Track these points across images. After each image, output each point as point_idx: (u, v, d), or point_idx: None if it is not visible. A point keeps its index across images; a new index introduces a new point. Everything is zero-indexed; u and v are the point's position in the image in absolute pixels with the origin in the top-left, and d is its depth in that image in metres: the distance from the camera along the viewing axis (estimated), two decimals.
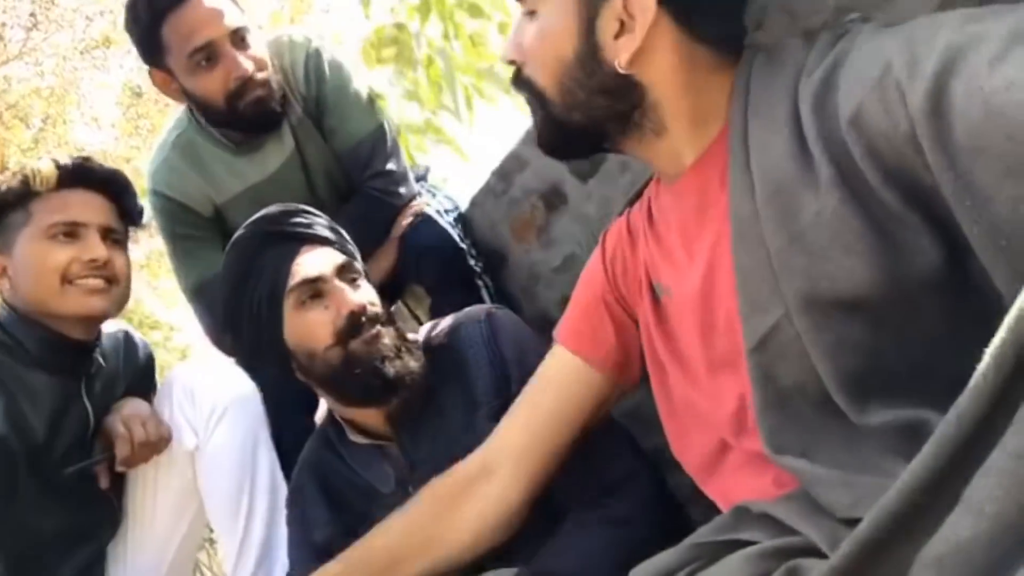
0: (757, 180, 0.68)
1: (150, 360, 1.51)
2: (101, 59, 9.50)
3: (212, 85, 1.46)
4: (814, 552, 0.59)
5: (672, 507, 1.03)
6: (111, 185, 1.37)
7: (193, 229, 1.62)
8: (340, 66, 1.62)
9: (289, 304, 1.05)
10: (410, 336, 1.11)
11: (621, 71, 0.74)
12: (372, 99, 1.65)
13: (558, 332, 0.97)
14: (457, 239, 1.58)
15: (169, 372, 1.47)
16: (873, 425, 0.62)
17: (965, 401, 0.40)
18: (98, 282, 1.30)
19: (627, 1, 0.73)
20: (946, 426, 0.41)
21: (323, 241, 1.10)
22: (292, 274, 1.05)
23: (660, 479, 1.03)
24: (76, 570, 1.33)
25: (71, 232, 1.29)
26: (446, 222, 1.61)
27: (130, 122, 9.62)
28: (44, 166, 1.31)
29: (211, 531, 1.51)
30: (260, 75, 1.47)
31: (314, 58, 1.59)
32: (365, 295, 1.08)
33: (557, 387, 0.95)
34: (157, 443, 1.31)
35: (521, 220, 1.58)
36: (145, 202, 1.51)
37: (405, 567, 0.98)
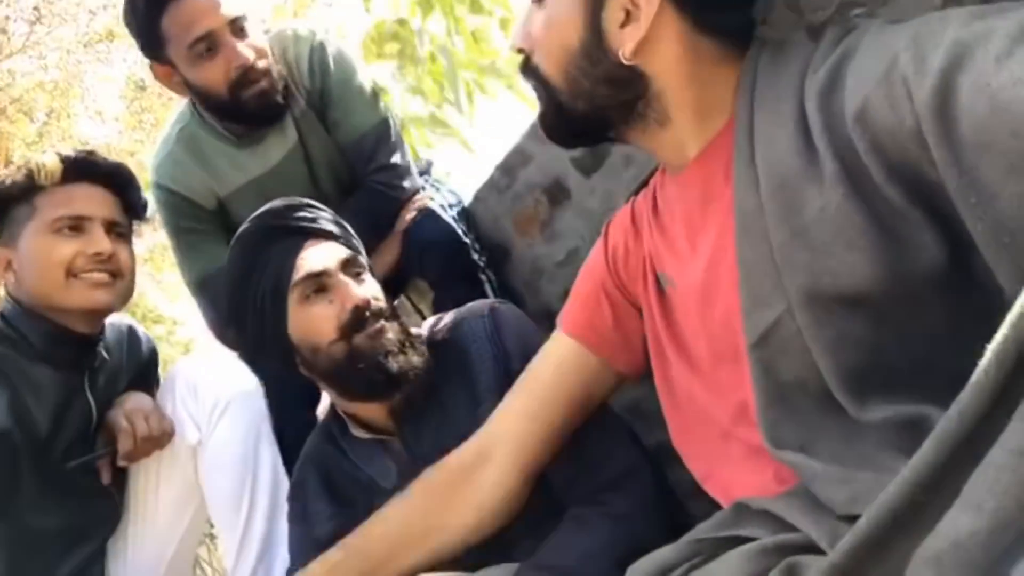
0: (762, 174, 0.68)
1: (153, 354, 1.51)
2: (105, 53, 9.51)
3: (214, 75, 1.46)
4: (813, 549, 0.59)
5: (673, 503, 1.04)
6: (115, 179, 1.37)
7: (197, 223, 1.62)
8: (345, 59, 1.62)
9: (293, 298, 1.05)
10: (414, 331, 1.11)
11: (625, 61, 0.75)
12: (376, 93, 1.65)
13: (560, 319, 0.98)
14: (460, 234, 1.58)
15: (172, 367, 1.48)
16: (873, 421, 0.62)
17: (966, 397, 0.40)
18: (102, 276, 1.30)
19: None
20: (947, 422, 0.41)
21: (327, 235, 1.10)
22: (296, 268, 1.05)
23: (661, 475, 1.03)
24: (77, 565, 1.33)
25: (76, 226, 1.29)
26: (449, 217, 1.61)
27: (134, 116, 9.63)
28: (49, 160, 1.31)
29: (211, 526, 1.52)
30: (261, 64, 1.48)
31: (319, 51, 1.59)
32: (369, 290, 1.08)
33: (554, 371, 0.95)
34: (160, 438, 1.32)
35: (524, 214, 1.58)
36: (149, 196, 1.51)
37: (404, 556, 0.99)
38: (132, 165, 1.49)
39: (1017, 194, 0.50)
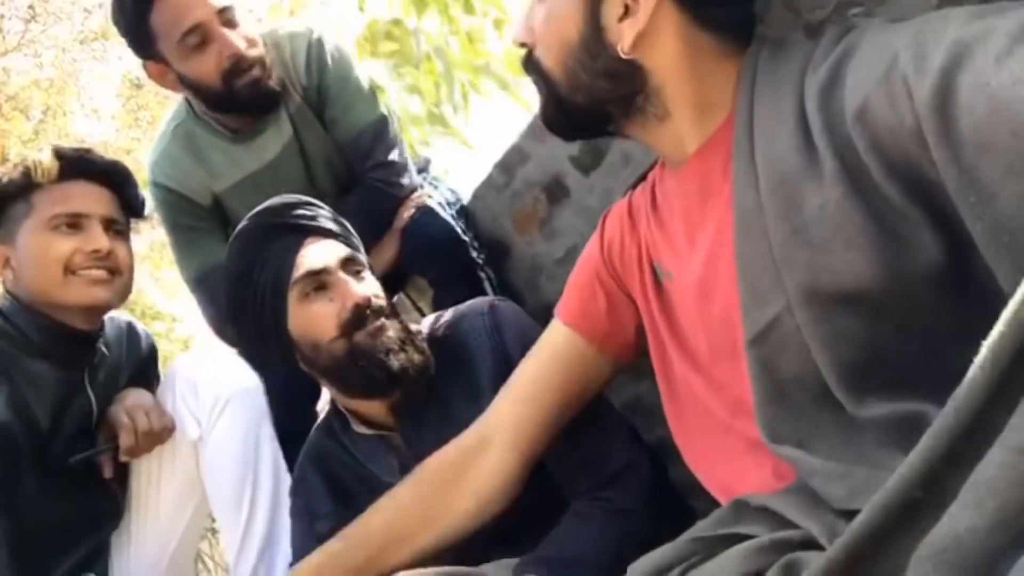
0: (761, 171, 0.68)
1: (153, 351, 1.51)
2: (100, 51, 9.48)
3: (206, 67, 1.46)
4: (813, 545, 0.59)
5: (673, 498, 1.04)
6: (112, 176, 1.37)
7: (194, 220, 1.62)
8: (342, 56, 1.62)
9: (293, 296, 1.05)
10: (414, 328, 1.11)
11: (624, 55, 0.75)
12: (373, 90, 1.65)
13: (556, 309, 0.99)
14: (459, 232, 1.58)
15: (172, 363, 1.48)
16: (871, 418, 0.62)
17: (963, 394, 0.40)
18: (101, 273, 1.30)
19: None
20: (944, 419, 0.41)
21: (327, 233, 1.10)
22: (296, 266, 1.05)
23: (661, 470, 1.04)
24: (79, 560, 1.33)
25: (73, 223, 1.29)
26: (448, 215, 1.60)
27: (130, 113, 9.60)
28: (45, 158, 1.31)
29: (213, 520, 1.52)
30: (253, 52, 1.48)
31: (316, 48, 1.59)
32: (370, 287, 1.08)
33: (551, 358, 0.96)
34: (160, 433, 1.32)
35: (523, 212, 1.58)
36: (146, 193, 1.51)
37: (404, 544, 0.99)
38: (129, 163, 1.49)
39: (1016, 194, 0.50)
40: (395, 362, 1.03)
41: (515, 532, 1.00)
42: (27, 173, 1.29)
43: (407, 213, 1.59)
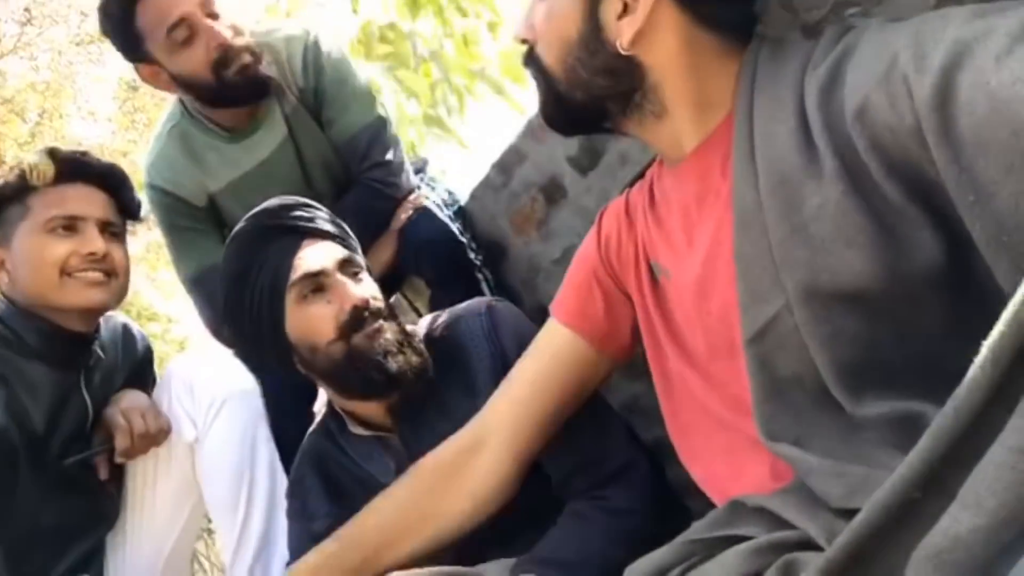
0: (761, 170, 0.68)
1: (148, 352, 1.51)
2: (96, 53, 9.46)
3: (195, 60, 1.46)
4: (810, 546, 0.59)
5: (671, 498, 1.04)
6: (108, 179, 1.37)
7: (190, 221, 1.62)
8: (340, 58, 1.62)
9: (291, 298, 1.05)
10: (411, 329, 1.11)
11: (623, 52, 0.75)
12: (371, 91, 1.65)
13: (552, 307, 0.99)
14: (457, 232, 1.58)
15: (168, 365, 1.48)
16: (869, 416, 0.62)
17: (963, 394, 0.40)
18: (97, 275, 1.30)
19: None
20: (943, 419, 0.41)
21: (324, 235, 1.10)
22: (294, 268, 1.05)
23: (659, 470, 1.04)
24: (75, 562, 1.33)
25: (69, 226, 1.29)
26: (446, 215, 1.60)
27: (126, 116, 9.59)
28: (41, 161, 1.31)
29: (209, 521, 1.52)
30: (239, 41, 1.48)
31: (312, 49, 1.59)
32: (367, 289, 1.08)
33: (547, 357, 0.96)
34: (156, 435, 1.32)
35: (521, 213, 1.58)
36: (142, 195, 1.51)
37: (400, 545, 0.99)
38: (125, 165, 1.49)
39: (1016, 193, 0.50)
40: (393, 364, 1.03)
41: (513, 532, 1.00)
42: (23, 176, 1.29)
43: (405, 214, 1.59)
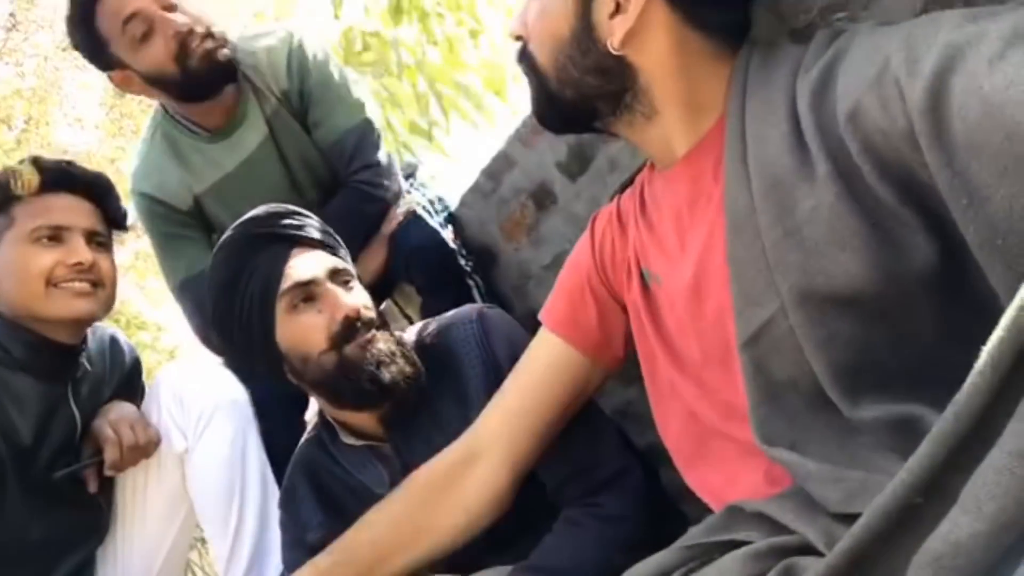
0: (754, 173, 0.68)
1: (137, 363, 1.50)
2: (83, 59, 9.39)
3: (157, 55, 1.46)
4: (808, 550, 0.59)
5: (665, 503, 1.04)
6: (94, 188, 1.36)
7: (178, 227, 1.62)
8: (325, 60, 1.62)
9: (281, 307, 1.04)
10: (403, 337, 1.11)
11: (614, 51, 0.75)
12: (357, 93, 1.65)
13: (543, 315, 0.98)
14: (447, 239, 1.58)
15: (157, 374, 1.46)
16: (865, 420, 0.62)
17: (963, 399, 0.40)
18: (84, 285, 1.29)
19: None
20: (943, 424, 0.41)
21: (314, 243, 1.09)
22: (284, 277, 1.04)
23: (653, 476, 1.03)
24: (65, 575, 1.31)
25: (55, 236, 1.28)
26: (436, 221, 1.60)
27: (114, 123, 9.53)
28: (26, 170, 1.30)
29: (202, 531, 1.51)
30: (199, 28, 1.48)
31: (297, 52, 1.59)
32: (359, 298, 1.07)
33: (541, 369, 0.96)
34: (146, 447, 1.31)
35: (511, 219, 1.57)
36: (129, 206, 1.50)
37: (394, 559, 0.99)
38: (113, 172, 1.49)
39: (1009, 196, 0.50)
40: (386, 374, 1.02)
41: (508, 539, 0.99)
42: (7, 185, 1.28)
43: (395, 220, 1.59)
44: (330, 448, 1.15)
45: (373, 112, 1.66)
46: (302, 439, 1.22)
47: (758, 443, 0.68)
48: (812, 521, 0.60)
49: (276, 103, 1.58)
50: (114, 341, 1.46)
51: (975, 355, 0.41)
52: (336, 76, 1.62)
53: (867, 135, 0.60)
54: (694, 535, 0.72)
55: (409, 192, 1.69)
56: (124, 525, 1.39)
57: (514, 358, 1.01)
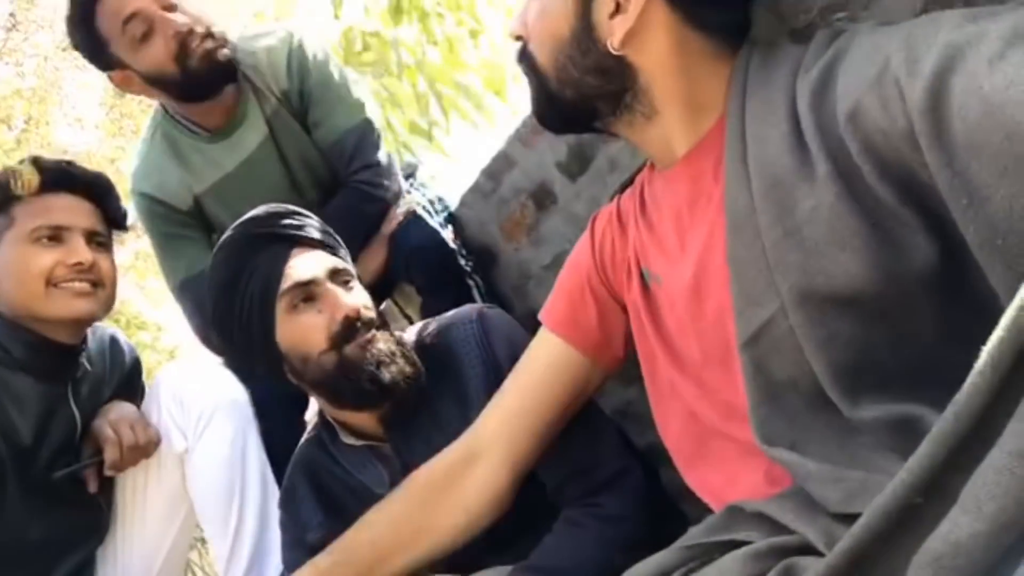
0: (754, 173, 0.68)
1: (137, 363, 1.50)
2: (83, 59, 9.38)
3: (157, 55, 1.46)
4: (809, 550, 0.59)
5: (665, 503, 1.04)
6: (94, 188, 1.36)
7: (178, 227, 1.62)
8: (325, 60, 1.62)
9: (281, 307, 1.04)
10: (403, 337, 1.11)
11: (613, 51, 0.75)
12: (357, 93, 1.65)
13: (543, 315, 0.98)
14: (447, 239, 1.58)
15: (157, 374, 1.46)
16: (865, 420, 0.62)
17: (963, 399, 0.40)
18: (84, 285, 1.29)
19: None
20: (943, 424, 0.41)
21: (314, 243, 1.09)
22: (285, 277, 1.04)
23: (653, 476, 1.03)
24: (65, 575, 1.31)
25: (55, 236, 1.28)
26: (436, 222, 1.60)
27: (114, 122, 9.52)
28: (26, 170, 1.30)
29: (203, 531, 1.51)
30: (199, 28, 1.48)
31: (297, 52, 1.59)
32: (359, 298, 1.07)
33: (541, 369, 0.96)
34: (146, 447, 1.31)
35: (511, 219, 1.57)
36: (129, 206, 1.50)
37: (394, 559, 0.98)
38: (113, 172, 1.49)
39: (1009, 196, 0.50)
40: (386, 374, 1.02)
41: (508, 539, 0.99)
42: (7, 186, 1.28)
43: (395, 220, 1.59)
44: (330, 448, 1.15)
45: (373, 112, 1.66)
46: (302, 439, 1.21)
47: (758, 443, 0.68)
48: (812, 521, 0.60)
49: (276, 103, 1.59)
50: (114, 341, 1.46)
51: (975, 355, 0.41)
52: (336, 76, 1.62)
53: (867, 135, 0.60)
54: (694, 535, 0.72)
55: (409, 192, 1.69)
56: (124, 525, 1.39)
57: (514, 358, 1.00)
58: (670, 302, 0.81)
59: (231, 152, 1.59)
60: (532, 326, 1.02)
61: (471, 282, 1.57)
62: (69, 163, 1.36)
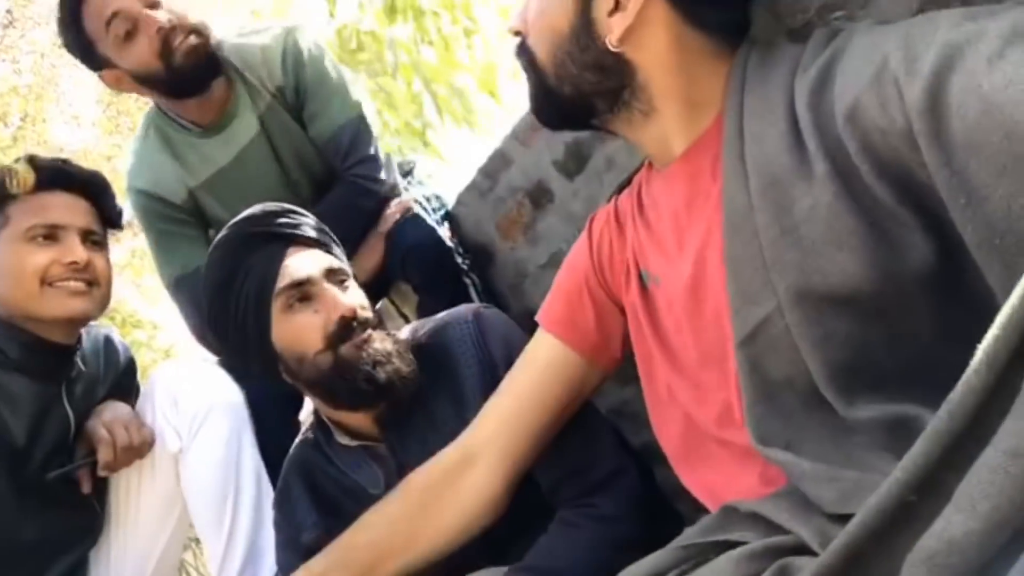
0: (751, 172, 0.68)
1: (131, 363, 1.50)
2: None
3: (142, 53, 1.46)
4: (804, 550, 0.59)
5: (660, 503, 1.04)
6: (90, 187, 1.36)
7: (173, 224, 1.62)
8: (320, 56, 1.62)
9: (277, 307, 1.03)
10: (399, 337, 1.10)
11: (612, 48, 0.75)
12: (350, 88, 1.65)
13: (540, 316, 0.98)
14: (444, 237, 1.57)
15: (152, 373, 1.46)
16: (861, 419, 0.62)
17: (957, 397, 0.40)
18: (79, 284, 1.28)
19: None
20: (938, 422, 0.41)
21: (310, 242, 1.09)
22: (280, 276, 1.03)
23: (648, 475, 1.03)
24: None
25: (50, 235, 1.28)
26: (433, 220, 1.60)
27: (111, 120, 9.50)
28: (22, 169, 1.29)
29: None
30: (182, 24, 1.48)
31: (292, 49, 1.59)
32: (355, 298, 1.07)
33: (539, 371, 0.96)
34: (140, 447, 1.30)
35: (508, 218, 1.57)
36: (125, 204, 1.50)
37: (390, 562, 0.98)
38: (109, 170, 1.48)
39: (1008, 196, 0.50)
40: (382, 374, 1.01)
41: (504, 540, 0.99)
42: (2, 184, 1.28)
43: (392, 219, 1.59)
44: (325, 448, 1.14)
45: (368, 110, 1.66)
46: (297, 439, 1.21)
47: (753, 442, 0.68)
48: (807, 521, 0.60)
49: (270, 99, 1.59)
50: (108, 341, 1.45)
51: (972, 355, 0.41)
52: (331, 71, 1.62)
53: (865, 134, 0.60)
54: (689, 535, 0.72)
55: (407, 189, 1.69)
56: (118, 526, 1.38)
57: (510, 358, 1.00)
58: (668, 302, 0.81)
59: (224, 147, 1.59)
60: (528, 325, 1.02)
61: (468, 281, 1.57)
62: (65, 161, 1.36)
